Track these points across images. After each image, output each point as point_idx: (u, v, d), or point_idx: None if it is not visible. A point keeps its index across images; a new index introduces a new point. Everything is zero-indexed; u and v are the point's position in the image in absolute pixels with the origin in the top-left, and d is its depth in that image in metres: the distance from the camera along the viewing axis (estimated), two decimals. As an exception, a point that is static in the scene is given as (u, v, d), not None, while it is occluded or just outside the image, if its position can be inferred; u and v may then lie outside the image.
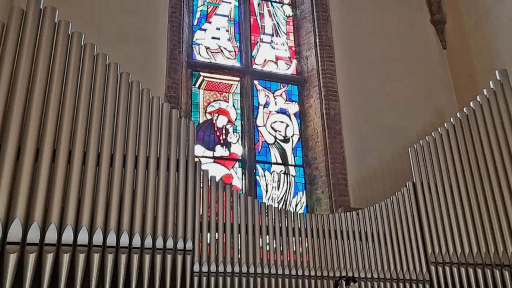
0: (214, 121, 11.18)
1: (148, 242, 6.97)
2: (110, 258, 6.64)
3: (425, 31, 13.30)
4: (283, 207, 10.85)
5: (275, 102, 11.86)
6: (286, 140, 11.59)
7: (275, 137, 11.52)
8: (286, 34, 12.76)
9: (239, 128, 11.29)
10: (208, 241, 7.56)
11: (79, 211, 6.66)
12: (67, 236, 6.46)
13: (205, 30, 12.08)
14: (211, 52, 11.86)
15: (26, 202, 6.32)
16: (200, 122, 11.04)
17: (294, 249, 8.12)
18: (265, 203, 8.27)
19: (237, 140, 11.17)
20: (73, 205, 6.60)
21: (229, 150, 11.04)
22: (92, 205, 6.76)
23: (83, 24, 9.64)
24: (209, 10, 12.34)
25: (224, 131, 11.16)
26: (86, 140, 7.03)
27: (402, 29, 13.01)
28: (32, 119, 6.66)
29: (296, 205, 11.01)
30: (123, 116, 7.39)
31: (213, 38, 12.06)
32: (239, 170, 10.96)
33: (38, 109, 6.75)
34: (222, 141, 11.06)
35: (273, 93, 11.93)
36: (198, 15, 12.18)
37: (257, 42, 12.38)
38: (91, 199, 6.77)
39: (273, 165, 11.27)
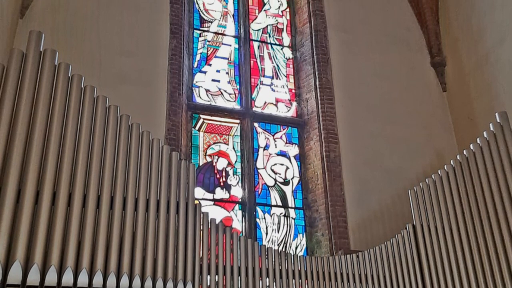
0: (214, 164, 11.19)
1: (148, 284, 6.89)
2: (109, 301, 6.61)
3: (425, 73, 13.36)
4: (283, 249, 10.82)
5: (275, 145, 11.87)
6: (286, 182, 11.59)
7: (275, 180, 11.53)
8: (286, 76, 12.81)
9: (239, 170, 11.31)
10: (208, 284, 7.47)
11: (79, 253, 6.60)
12: (67, 278, 6.40)
13: (205, 72, 12.13)
14: (211, 95, 11.90)
15: (26, 244, 6.27)
16: (200, 164, 11.07)
17: (294, 292, 8.08)
18: (265, 245, 8.22)
19: (237, 183, 11.17)
20: (73, 247, 6.55)
21: (229, 192, 11.04)
22: (92, 247, 6.71)
23: (83, 66, 9.65)
24: (209, 52, 12.40)
25: (224, 174, 11.17)
26: (86, 182, 6.98)
27: (402, 71, 13.07)
28: (32, 162, 6.64)
29: (296, 248, 10.98)
30: (123, 159, 7.35)
31: (213, 80, 12.11)
32: (239, 213, 10.95)
33: (38, 151, 6.72)
34: (222, 184, 11.06)
35: (273, 136, 11.96)
36: (198, 57, 12.23)
37: (257, 85, 12.43)
38: (91, 241, 6.71)
39: (273, 208, 11.26)
